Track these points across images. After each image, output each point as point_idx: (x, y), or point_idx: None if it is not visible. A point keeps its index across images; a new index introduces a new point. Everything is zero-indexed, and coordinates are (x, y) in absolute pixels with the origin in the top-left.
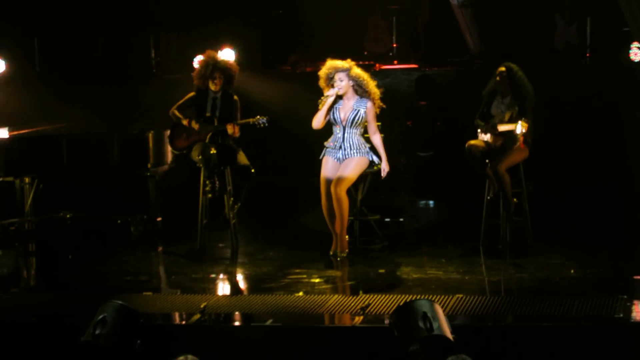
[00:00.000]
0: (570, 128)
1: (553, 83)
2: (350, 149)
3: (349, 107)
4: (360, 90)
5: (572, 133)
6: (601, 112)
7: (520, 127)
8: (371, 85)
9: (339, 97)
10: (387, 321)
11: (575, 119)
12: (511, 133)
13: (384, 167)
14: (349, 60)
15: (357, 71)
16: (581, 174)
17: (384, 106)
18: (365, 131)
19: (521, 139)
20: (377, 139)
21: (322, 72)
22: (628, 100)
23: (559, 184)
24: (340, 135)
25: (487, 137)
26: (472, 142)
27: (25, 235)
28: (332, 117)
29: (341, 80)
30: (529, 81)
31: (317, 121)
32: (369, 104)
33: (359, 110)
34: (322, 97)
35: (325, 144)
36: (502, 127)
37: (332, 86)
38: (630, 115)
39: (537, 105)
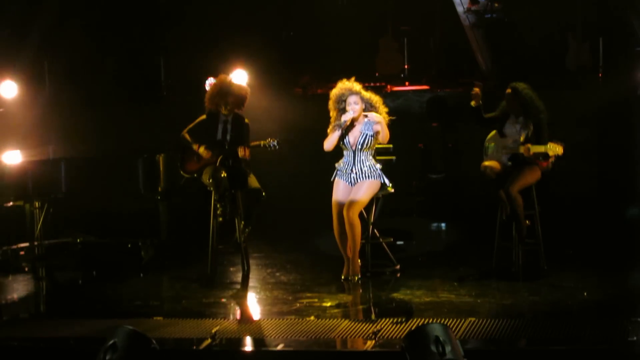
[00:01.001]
0: (584, 149)
1: (565, 103)
2: (362, 172)
3: (357, 132)
4: (372, 112)
5: (586, 154)
6: (614, 132)
7: (554, 151)
8: (382, 109)
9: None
10: (399, 345)
11: (588, 139)
12: (540, 156)
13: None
14: (358, 83)
15: (368, 94)
16: (594, 194)
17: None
18: (377, 153)
19: (551, 159)
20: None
21: (334, 93)
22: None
23: (572, 206)
24: (350, 159)
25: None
26: (487, 163)
27: (36, 259)
28: (341, 141)
29: (356, 103)
30: (539, 97)
31: (330, 144)
32: (377, 125)
33: (367, 134)
34: (335, 123)
35: (336, 165)
36: (535, 149)
37: (344, 108)
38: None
39: (549, 125)
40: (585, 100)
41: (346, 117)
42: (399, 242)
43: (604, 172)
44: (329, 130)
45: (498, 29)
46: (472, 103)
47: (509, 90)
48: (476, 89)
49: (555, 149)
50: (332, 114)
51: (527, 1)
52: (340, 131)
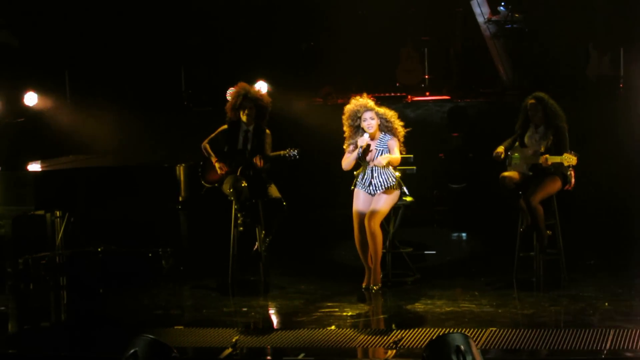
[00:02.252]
0: (603, 159)
1: (586, 114)
2: (381, 183)
3: (373, 149)
4: (387, 126)
5: (605, 165)
6: (635, 143)
7: (568, 161)
8: (397, 123)
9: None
10: (420, 355)
11: (609, 150)
12: (560, 166)
13: (381, 159)
14: (370, 98)
15: (382, 109)
16: (616, 205)
17: (404, 150)
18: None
19: (572, 172)
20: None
21: (349, 109)
22: None
23: (593, 215)
24: (368, 173)
25: (525, 169)
26: (506, 173)
27: (56, 268)
28: (358, 158)
29: (372, 119)
30: (560, 108)
31: (347, 164)
32: (391, 141)
33: (382, 151)
34: (351, 139)
35: (356, 173)
36: (552, 160)
37: (358, 125)
38: None
39: (569, 136)
40: (606, 110)
41: (362, 142)
42: (419, 252)
43: (624, 181)
44: (344, 146)
45: (519, 39)
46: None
47: (532, 101)
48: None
49: (569, 159)
50: (346, 129)
51: (548, 12)
52: (357, 152)
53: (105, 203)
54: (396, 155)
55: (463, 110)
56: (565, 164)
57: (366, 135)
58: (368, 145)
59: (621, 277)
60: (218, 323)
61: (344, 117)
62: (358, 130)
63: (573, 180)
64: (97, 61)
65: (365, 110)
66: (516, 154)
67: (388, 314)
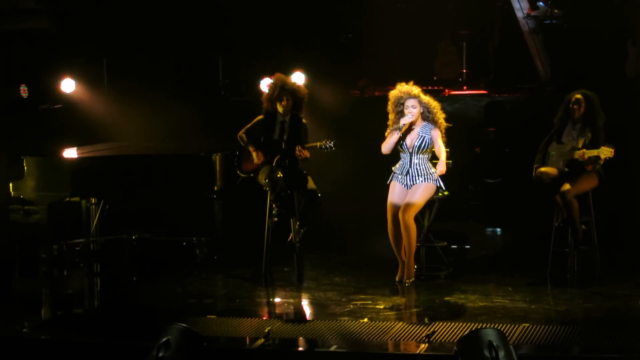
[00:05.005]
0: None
1: (623, 111)
2: (418, 175)
3: (415, 135)
4: (429, 117)
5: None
6: None
7: (604, 154)
8: (439, 114)
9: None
10: (453, 349)
11: None
12: (597, 159)
13: (440, 168)
14: (417, 86)
15: (426, 98)
16: None
17: (445, 139)
18: (433, 157)
19: (601, 162)
20: (441, 153)
21: (393, 94)
22: None
23: (631, 213)
24: (407, 161)
25: (561, 165)
26: (543, 169)
27: (91, 255)
28: (399, 144)
29: (414, 107)
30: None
31: (388, 147)
32: (434, 131)
33: (424, 137)
34: (394, 125)
35: (393, 168)
36: (589, 154)
37: (402, 110)
38: None
39: (607, 134)
40: None
41: (404, 121)
42: (453, 246)
43: None
44: (386, 134)
45: (557, 35)
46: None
47: (579, 96)
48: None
49: (606, 152)
50: (390, 115)
51: (587, 8)
52: (397, 134)
53: (141, 191)
54: (442, 150)
55: (500, 105)
56: (602, 156)
57: (409, 116)
58: (411, 129)
59: None
60: (251, 313)
61: (389, 103)
62: (401, 117)
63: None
64: (135, 50)
65: (409, 97)
66: (553, 151)
67: (421, 308)
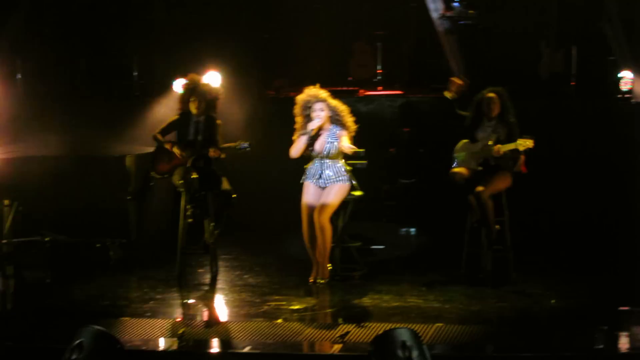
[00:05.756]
0: (556, 158)
1: (537, 111)
2: (330, 177)
3: (323, 140)
4: (337, 120)
5: (557, 163)
6: (587, 143)
7: (524, 145)
8: (348, 118)
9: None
10: (367, 350)
11: (561, 149)
12: (514, 153)
13: (347, 144)
14: (324, 90)
15: (334, 102)
16: (565, 204)
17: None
18: (344, 156)
19: (522, 157)
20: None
21: (301, 98)
22: (614, 131)
23: (542, 214)
24: (318, 164)
25: (473, 164)
26: (456, 169)
27: (3, 257)
28: (308, 149)
29: (322, 110)
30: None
31: (296, 151)
32: (341, 132)
33: (333, 143)
34: (302, 129)
35: (306, 166)
36: (505, 148)
37: (309, 114)
38: (618, 147)
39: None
40: (558, 109)
41: (312, 125)
42: (367, 247)
43: (575, 181)
44: (294, 138)
45: (472, 36)
46: (448, 94)
47: (492, 94)
48: (458, 81)
49: (525, 143)
50: (298, 119)
51: (501, 9)
52: (305, 139)
53: (55, 192)
54: (346, 141)
55: (415, 105)
56: (521, 148)
57: (317, 120)
58: (318, 134)
59: (567, 275)
60: (165, 314)
61: (296, 107)
62: (309, 120)
63: (523, 167)
64: (48, 49)
65: (316, 101)
66: (461, 154)
67: (335, 308)
